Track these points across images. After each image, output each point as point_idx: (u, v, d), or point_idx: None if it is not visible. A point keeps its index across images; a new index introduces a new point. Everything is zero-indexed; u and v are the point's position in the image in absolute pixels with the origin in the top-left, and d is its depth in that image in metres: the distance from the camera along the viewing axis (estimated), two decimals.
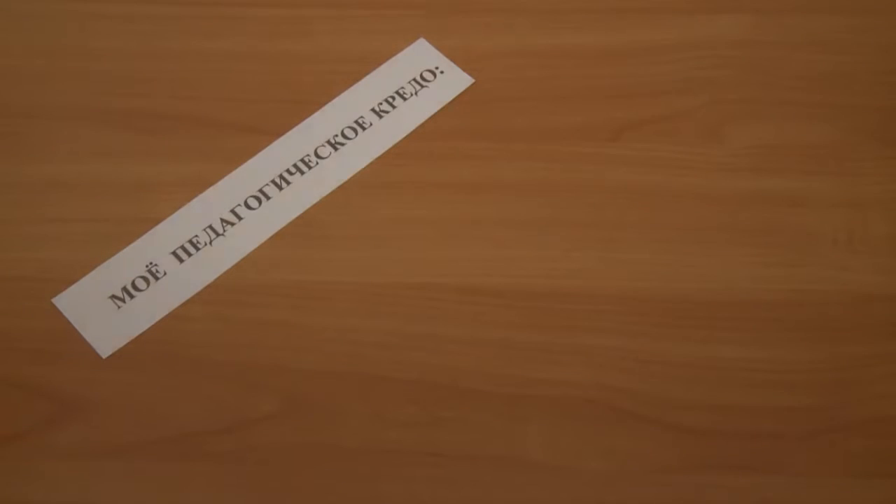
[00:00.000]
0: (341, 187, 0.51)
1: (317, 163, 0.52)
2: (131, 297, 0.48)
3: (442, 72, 0.54)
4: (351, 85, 0.54)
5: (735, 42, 0.55)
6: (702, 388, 0.46)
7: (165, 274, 0.49)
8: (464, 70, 0.55)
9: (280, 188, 0.51)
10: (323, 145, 0.52)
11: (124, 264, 0.49)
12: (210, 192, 0.51)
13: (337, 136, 0.53)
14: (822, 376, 0.46)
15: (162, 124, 0.53)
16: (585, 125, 0.53)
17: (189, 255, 0.49)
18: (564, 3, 0.57)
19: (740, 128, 0.53)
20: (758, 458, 0.44)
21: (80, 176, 0.51)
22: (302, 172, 0.51)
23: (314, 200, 0.51)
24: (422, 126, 0.53)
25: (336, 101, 0.54)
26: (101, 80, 0.54)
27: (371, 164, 0.52)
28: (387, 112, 0.53)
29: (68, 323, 0.47)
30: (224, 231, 0.50)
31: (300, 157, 0.52)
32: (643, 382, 0.46)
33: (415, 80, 0.54)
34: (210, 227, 0.50)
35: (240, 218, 0.50)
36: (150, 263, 0.49)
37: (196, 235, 0.50)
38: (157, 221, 0.50)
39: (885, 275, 0.48)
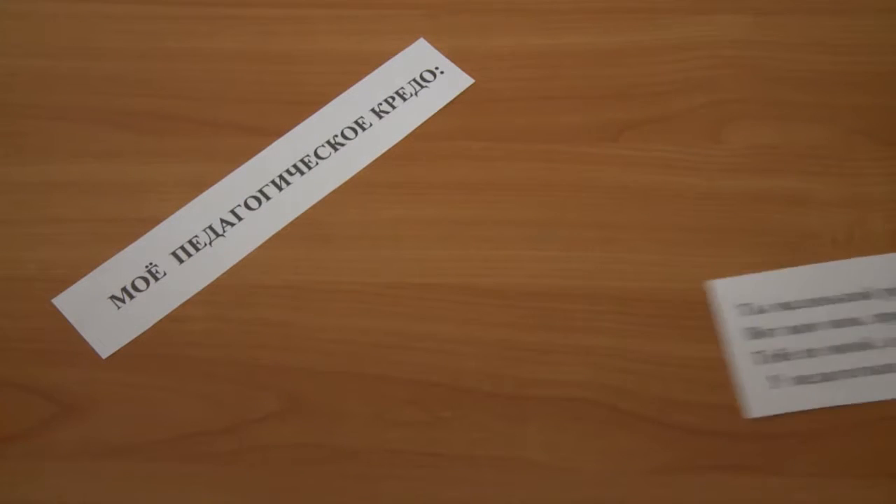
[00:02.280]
0: (341, 187, 0.51)
1: (316, 163, 0.52)
2: (131, 297, 0.48)
3: (442, 72, 0.54)
4: (351, 85, 0.54)
5: (735, 42, 0.55)
6: (701, 388, 0.46)
7: (165, 274, 0.49)
8: (464, 70, 0.55)
9: (280, 188, 0.51)
10: (322, 146, 0.52)
11: (124, 265, 0.49)
12: (210, 193, 0.51)
13: (337, 136, 0.53)
14: None
15: (162, 124, 0.53)
16: (585, 125, 0.53)
17: (189, 255, 0.49)
18: (564, 3, 0.57)
19: (740, 128, 0.52)
20: (758, 458, 0.44)
21: (80, 176, 0.51)
22: (302, 173, 0.51)
23: (314, 201, 0.51)
24: (422, 126, 0.53)
25: (336, 101, 0.54)
26: (101, 80, 0.54)
27: (371, 164, 0.52)
28: (386, 112, 0.53)
29: (68, 323, 0.47)
30: (224, 232, 0.50)
31: (300, 158, 0.52)
32: (643, 382, 0.46)
33: (415, 80, 0.54)
34: (210, 227, 0.50)
35: (240, 218, 0.50)
36: (150, 264, 0.49)
37: (196, 236, 0.50)
38: (157, 221, 0.50)
39: None
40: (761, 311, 0.46)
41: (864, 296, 0.46)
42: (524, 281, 0.48)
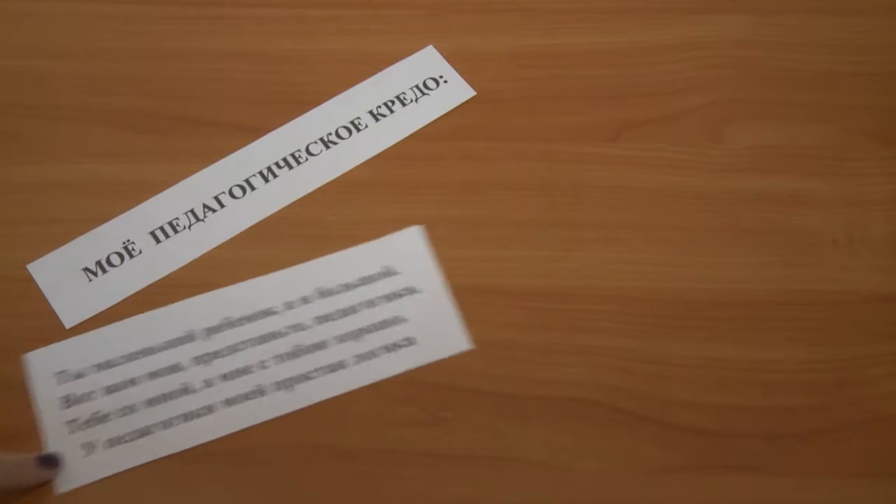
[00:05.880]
0: (338, 185, 0.51)
1: (306, 159, 0.52)
2: (104, 271, 0.48)
3: (445, 81, 0.54)
4: (350, 86, 0.54)
5: (735, 42, 0.55)
6: (702, 388, 0.46)
7: (141, 252, 0.49)
8: (464, 69, 0.54)
9: (266, 180, 0.51)
10: (315, 142, 0.52)
11: (102, 238, 0.49)
12: (195, 178, 0.51)
13: (331, 134, 0.52)
14: (822, 376, 0.46)
15: (162, 124, 0.53)
16: (585, 125, 0.53)
17: (167, 236, 0.49)
18: (564, 3, 0.57)
19: (740, 128, 0.52)
20: (758, 458, 0.44)
21: (80, 176, 0.51)
22: (290, 167, 0.51)
23: (300, 195, 0.51)
24: (422, 126, 0.53)
25: (334, 100, 0.54)
26: (101, 80, 0.54)
27: (370, 163, 0.52)
28: (384, 115, 0.53)
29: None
30: (205, 217, 0.50)
31: (290, 152, 0.52)
32: (643, 382, 0.46)
33: (417, 86, 0.54)
34: (192, 211, 0.50)
35: (222, 205, 0.50)
36: (128, 241, 0.49)
37: (177, 218, 0.50)
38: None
39: (885, 275, 0.48)
40: (79, 375, 0.45)
41: (187, 339, 0.46)
42: (524, 281, 0.48)
